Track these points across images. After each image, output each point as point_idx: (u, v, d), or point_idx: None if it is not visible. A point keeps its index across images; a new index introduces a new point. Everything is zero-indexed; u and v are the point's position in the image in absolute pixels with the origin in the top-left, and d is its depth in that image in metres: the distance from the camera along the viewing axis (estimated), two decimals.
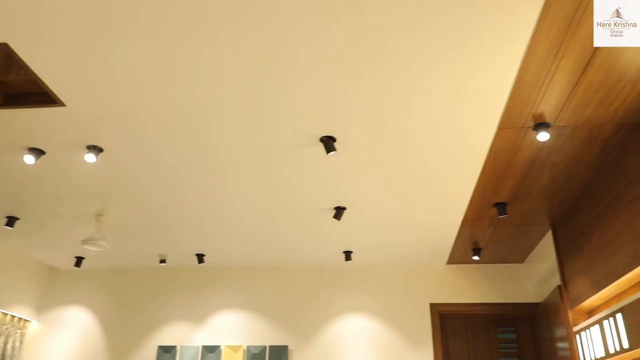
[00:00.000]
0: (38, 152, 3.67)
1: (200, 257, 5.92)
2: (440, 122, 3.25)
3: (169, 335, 6.14)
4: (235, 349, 5.93)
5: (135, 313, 6.32)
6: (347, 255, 5.77)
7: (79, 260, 6.09)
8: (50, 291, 6.52)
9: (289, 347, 5.93)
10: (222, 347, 5.95)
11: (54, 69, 2.79)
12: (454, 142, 3.48)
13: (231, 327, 6.11)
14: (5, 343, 5.67)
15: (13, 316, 5.84)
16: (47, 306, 6.43)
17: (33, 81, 2.92)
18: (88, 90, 2.98)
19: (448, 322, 6.03)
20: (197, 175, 4.03)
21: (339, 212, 4.57)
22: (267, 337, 6.02)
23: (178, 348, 6.01)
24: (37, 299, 6.36)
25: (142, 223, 5.02)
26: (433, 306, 6.00)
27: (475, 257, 5.67)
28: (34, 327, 6.24)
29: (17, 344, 5.86)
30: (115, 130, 3.41)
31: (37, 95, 3.09)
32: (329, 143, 3.43)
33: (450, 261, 6.06)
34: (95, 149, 3.60)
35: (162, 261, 6.08)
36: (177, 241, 5.51)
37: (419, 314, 5.97)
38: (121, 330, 6.24)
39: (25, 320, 6.06)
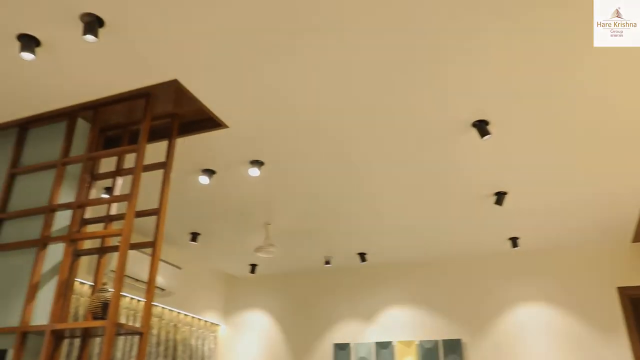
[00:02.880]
0: (210, 172, 4.07)
1: (362, 256, 6.05)
2: (610, 92, 2.93)
3: (342, 333, 6.37)
4: (407, 344, 5.95)
5: (308, 313, 6.67)
6: (514, 241, 5.46)
7: (253, 268, 6.61)
8: (232, 297, 7.18)
9: (462, 341, 5.78)
10: (394, 343, 6.01)
11: (216, 95, 3.08)
12: (627, 109, 3.11)
13: (401, 323, 6.14)
14: (203, 345, 6.36)
15: (206, 321, 6.54)
16: (231, 311, 7.09)
17: (199, 109, 3.26)
18: (246, 111, 3.24)
19: None
20: (352, 177, 4.14)
21: (500, 197, 4.35)
22: (438, 331, 5.94)
23: (352, 345, 6.21)
24: (222, 305, 7.05)
25: (305, 228, 5.29)
26: (621, 290, 5.40)
27: None
28: (223, 330, 6.92)
29: (212, 345, 6.55)
30: (272, 144, 3.65)
31: (204, 121, 3.44)
32: (482, 127, 3.29)
33: (637, 239, 5.40)
34: (258, 163, 3.88)
35: (327, 262, 6.33)
36: (339, 242, 5.70)
37: (605, 300, 5.42)
38: (297, 329, 6.63)
39: (215, 324, 6.75)
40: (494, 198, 4.43)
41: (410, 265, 6.37)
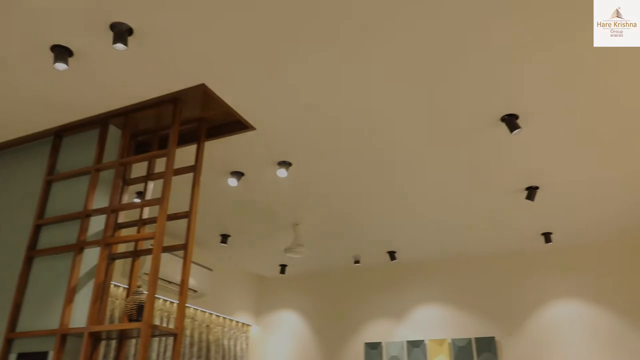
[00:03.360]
0: (238, 175, 4.11)
1: (392, 255, 6.02)
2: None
3: (373, 332, 6.35)
4: (439, 342, 5.89)
5: (338, 312, 6.67)
6: (547, 237, 5.36)
7: (282, 268, 6.65)
8: (263, 298, 7.23)
9: (496, 339, 5.70)
10: (426, 342, 5.96)
11: (242, 98, 3.11)
12: None
13: (433, 321, 6.09)
14: (235, 345, 6.43)
15: (237, 322, 6.61)
16: (262, 311, 7.15)
17: (227, 112, 3.29)
18: (273, 112, 3.27)
19: None
20: (381, 175, 4.13)
21: (531, 192, 4.28)
22: (471, 329, 5.87)
23: (383, 344, 6.19)
24: (254, 306, 7.11)
25: (334, 227, 5.29)
26: None
27: None
28: (254, 330, 6.98)
29: (244, 346, 6.61)
30: (300, 144, 3.67)
31: (231, 124, 3.47)
32: (511, 121, 3.24)
33: None
34: (285, 164, 3.91)
35: (357, 262, 6.33)
36: (369, 241, 5.69)
37: None
38: (328, 329, 6.64)
39: (247, 325, 6.81)
40: (525, 193, 4.36)
41: (441, 263, 6.31)
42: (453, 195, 4.49)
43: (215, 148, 3.71)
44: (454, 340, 5.84)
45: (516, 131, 3.24)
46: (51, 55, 2.68)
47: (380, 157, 3.84)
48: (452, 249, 5.95)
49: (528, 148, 3.67)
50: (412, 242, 5.70)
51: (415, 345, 5.99)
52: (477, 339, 5.73)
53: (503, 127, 3.35)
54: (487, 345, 5.67)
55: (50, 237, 3.18)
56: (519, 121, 3.28)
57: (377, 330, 6.34)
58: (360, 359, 6.26)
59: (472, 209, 4.78)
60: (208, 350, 5.95)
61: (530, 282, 5.81)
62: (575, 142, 3.58)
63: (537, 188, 4.28)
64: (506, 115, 3.24)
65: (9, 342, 2.92)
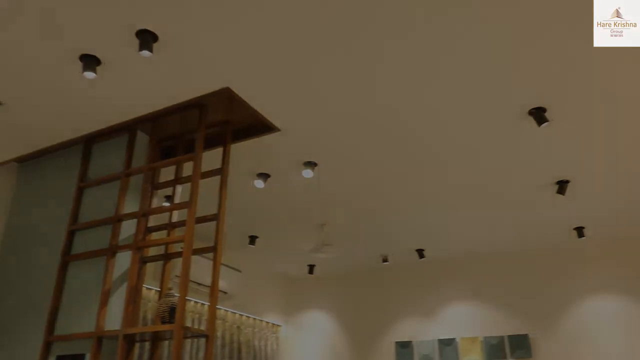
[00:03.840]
0: (265, 176, 4.14)
1: (420, 253, 5.97)
2: None
3: (403, 331, 6.31)
4: (471, 340, 5.82)
5: (368, 311, 6.64)
6: (579, 231, 5.24)
7: (311, 268, 6.66)
8: (292, 298, 7.26)
9: (530, 336, 5.60)
10: (457, 340, 5.89)
11: (266, 100, 3.14)
12: None
13: (464, 319, 6.01)
14: (265, 346, 6.47)
15: (267, 322, 6.64)
16: (291, 311, 7.18)
17: (251, 115, 3.32)
18: (297, 113, 3.28)
19: None
20: (407, 172, 4.10)
21: (562, 186, 4.20)
22: (504, 326, 5.77)
23: (414, 343, 6.14)
24: (283, 306, 7.14)
25: (361, 226, 5.28)
26: None
27: None
28: (284, 330, 7.01)
29: (275, 346, 6.65)
30: (325, 144, 3.67)
31: (256, 126, 3.50)
32: (539, 115, 3.19)
33: None
34: (311, 165, 3.91)
35: (385, 261, 6.29)
36: (396, 240, 5.66)
37: None
38: (358, 328, 6.62)
39: (276, 325, 6.84)
40: (556, 187, 4.27)
41: (471, 260, 6.23)
42: (483, 192, 4.43)
43: (241, 150, 3.74)
44: (486, 338, 5.75)
45: (544, 124, 3.18)
46: (80, 64, 2.74)
47: (408, 154, 3.81)
48: (482, 246, 5.87)
49: (557, 141, 3.60)
50: (441, 239, 5.65)
51: (447, 343, 5.92)
52: (510, 337, 5.64)
53: (531, 120, 3.29)
54: (520, 342, 5.57)
55: (84, 242, 3.25)
56: (546, 114, 3.21)
57: (408, 329, 6.30)
58: (391, 358, 6.22)
59: (502, 205, 4.71)
60: (239, 351, 6.00)
61: (564, 277, 5.68)
62: (605, 133, 3.50)
63: (567, 182, 4.19)
64: (534, 108, 3.19)
65: (48, 345, 3.01)
